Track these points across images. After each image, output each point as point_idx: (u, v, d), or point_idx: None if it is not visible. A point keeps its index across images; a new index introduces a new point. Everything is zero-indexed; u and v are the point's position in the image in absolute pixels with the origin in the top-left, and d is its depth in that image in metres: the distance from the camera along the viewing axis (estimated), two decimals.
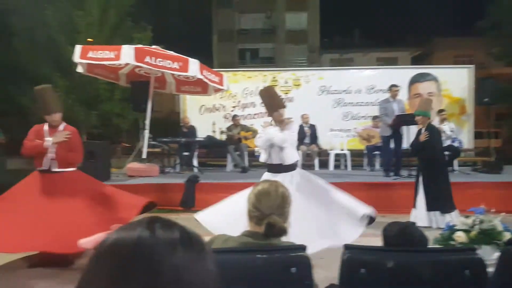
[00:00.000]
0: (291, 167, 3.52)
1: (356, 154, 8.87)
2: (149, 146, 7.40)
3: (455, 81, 9.42)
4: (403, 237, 1.75)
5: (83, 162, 6.20)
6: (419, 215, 4.84)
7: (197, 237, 0.59)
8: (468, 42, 22.61)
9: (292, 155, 3.55)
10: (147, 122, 7.14)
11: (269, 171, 3.58)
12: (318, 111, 8.95)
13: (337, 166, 8.61)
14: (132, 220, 3.17)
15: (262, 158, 3.61)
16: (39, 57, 12.55)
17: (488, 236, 2.75)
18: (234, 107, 9.50)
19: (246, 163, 8.06)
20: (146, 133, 7.11)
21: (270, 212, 1.59)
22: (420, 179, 4.92)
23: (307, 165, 8.47)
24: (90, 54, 6.18)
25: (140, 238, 0.54)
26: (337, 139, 8.92)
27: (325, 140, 8.79)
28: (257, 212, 1.60)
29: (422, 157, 5.02)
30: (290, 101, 9.30)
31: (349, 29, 29.12)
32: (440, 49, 24.90)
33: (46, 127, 3.71)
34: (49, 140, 3.56)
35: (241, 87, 9.53)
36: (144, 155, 7.13)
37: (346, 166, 8.56)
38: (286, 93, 9.42)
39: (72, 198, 3.53)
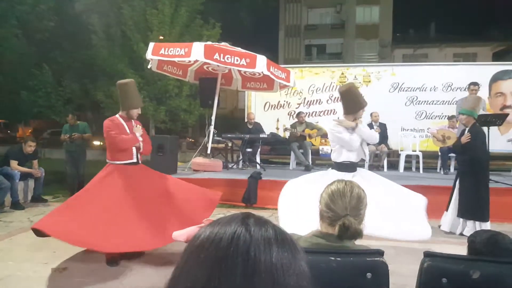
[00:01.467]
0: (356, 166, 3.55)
1: (429, 156, 8.29)
2: (214, 141, 7.57)
3: None
4: (491, 246, 1.58)
5: (153, 155, 6.63)
6: (447, 219, 4.65)
7: (290, 236, 0.58)
8: None
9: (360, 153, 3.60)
10: (213, 118, 7.29)
11: (339, 169, 3.52)
12: (389, 109, 8.51)
13: (407, 168, 8.14)
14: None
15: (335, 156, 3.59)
16: (115, 54, 13.51)
17: None
18: (299, 104, 9.38)
19: (310, 161, 7.94)
20: (212, 129, 7.25)
21: (345, 213, 1.52)
22: (458, 182, 4.63)
23: (375, 166, 8.11)
24: (162, 51, 6.38)
25: (236, 233, 0.54)
26: (408, 139, 8.41)
27: (395, 140, 8.35)
28: (330, 213, 1.53)
29: (461, 160, 4.68)
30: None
31: (424, 23, 27.16)
32: None
33: (121, 120, 3.72)
34: (137, 133, 3.69)
35: (307, 84, 9.37)
36: (208, 150, 7.30)
37: (418, 168, 8.03)
38: None
39: (158, 186, 3.66)
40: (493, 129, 6.20)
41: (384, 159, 8.05)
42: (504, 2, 28.45)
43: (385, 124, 8.15)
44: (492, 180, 5.89)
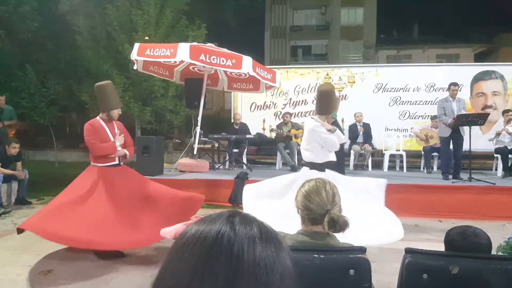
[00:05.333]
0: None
1: (412, 155, 8.44)
2: (200, 142, 7.55)
3: None
4: (468, 241, 1.63)
5: (138, 157, 6.57)
6: None
7: (276, 234, 0.59)
8: None
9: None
10: (199, 118, 7.29)
11: (311, 169, 3.53)
12: (373, 109, 8.65)
13: (391, 167, 8.27)
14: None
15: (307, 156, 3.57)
16: (100, 55, 13.34)
17: None
18: (285, 104, 9.44)
19: (296, 161, 7.99)
20: (198, 130, 7.24)
21: (326, 209, 1.55)
22: None
23: (360, 165, 8.22)
24: (148, 52, 6.36)
25: (221, 232, 0.54)
26: (392, 139, 8.56)
27: (379, 139, 8.48)
28: (310, 213, 1.57)
29: None
30: (344, 98, 9.05)
31: (408, 24, 27.61)
32: (506, 45, 22.89)
33: (102, 123, 3.74)
34: (117, 143, 3.71)
35: (293, 85, 9.44)
36: (195, 151, 7.29)
37: (401, 167, 8.18)
38: (340, 90, 9.17)
39: (138, 188, 3.66)
40: (475, 129, 6.37)
41: (368, 158, 8.17)
42: (486, 4, 29.13)
43: (369, 124, 8.27)
44: (474, 178, 6.07)
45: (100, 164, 3.67)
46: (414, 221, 5.09)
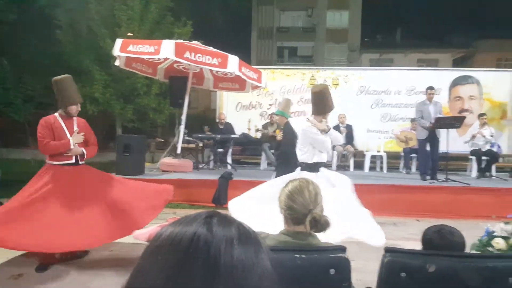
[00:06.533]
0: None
1: (392, 156, 8.64)
2: (184, 141, 7.46)
3: (496, 84, 9.08)
4: (444, 239, 1.69)
5: (119, 156, 6.46)
6: None
7: (255, 234, 0.57)
8: (511, 45, 21.39)
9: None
10: (183, 117, 7.19)
11: (311, 170, 3.55)
12: (356, 111, 8.81)
13: (372, 168, 8.44)
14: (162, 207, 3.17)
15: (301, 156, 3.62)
16: (81, 50, 13.06)
17: None
18: (271, 105, 9.48)
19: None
20: (182, 129, 7.15)
21: (309, 209, 1.59)
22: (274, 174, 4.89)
23: (342, 166, 8.35)
24: (130, 48, 6.23)
25: (197, 233, 0.52)
26: (374, 141, 8.74)
27: (361, 141, 8.63)
28: (293, 213, 1.59)
29: (277, 154, 5.15)
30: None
31: (391, 29, 28.23)
32: (483, 51, 23.69)
33: (59, 119, 3.54)
34: (72, 140, 3.51)
35: (279, 85, 9.50)
36: (178, 151, 7.19)
37: (382, 168, 8.35)
38: None
39: (97, 188, 3.50)
40: (452, 131, 6.58)
41: (350, 159, 8.30)
42: (465, 12, 30.02)
43: (351, 126, 8.41)
44: (450, 179, 6.26)
45: (55, 162, 3.48)
46: (393, 220, 5.20)
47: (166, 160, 7.14)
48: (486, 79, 9.14)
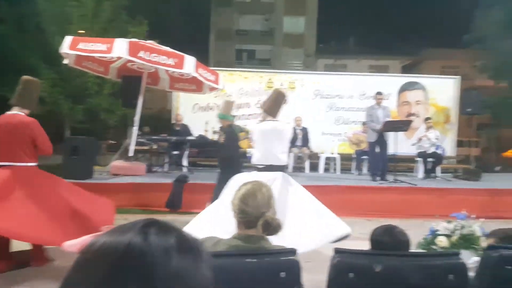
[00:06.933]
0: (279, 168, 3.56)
1: (345, 158, 8.94)
2: (137, 143, 7.22)
3: (441, 90, 9.69)
4: (389, 238, 1.75)
5: (66, 159, 6.11)
6: None
7: (195, 242, 0.55)
8: (455, 54, 23.22)
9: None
10: (136, 118, 6.95)
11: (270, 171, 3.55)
12: (311, 114, 9.03)
13: (326, 170, 8.67)
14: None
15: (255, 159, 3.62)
16: (27, 47, 12.28)
17: (467, 241, 2.82)
18: None
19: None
20: (135, 130, 6.90)
21: (262, 212, 1.58)
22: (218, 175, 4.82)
23: (298, 168, 8.49)
24: (81, 46, 5.95)
25: (131, 243, 0.49)
26: (328, 143, 9.00)
27: (316, 143, 8.84)
28: (246, 216, 1.58)
29: (220, 157, 5.04)
30: (285, 103, 9.33)
31: (344, 36, 29.49)
32: (429, 59, 25.44)
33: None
34: None
35: (237, 87, 9.49)
36: (130, 153, 6.91)
37: (335, 169, 8.61)
38: None
39: (46, 191, 3.33)
40: (400, 134, 6.93)
41: (306, 161, 8.48)
42: (413, 22, 31.94)
43: (307, 128, 8.59)
44: (399, 180, 6.58)
45: (33, 164, 3.36)
46: (345, 220, 5.33)
47: (117, 163, 6.85)
48: (432, 85, 9.74)
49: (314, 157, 8.82)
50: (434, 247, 2.95)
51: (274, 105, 3.71)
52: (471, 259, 2.15)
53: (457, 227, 2.91)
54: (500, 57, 15.01)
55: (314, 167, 8.64)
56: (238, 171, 4.22)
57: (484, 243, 2.51)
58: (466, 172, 8.23)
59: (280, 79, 9.64)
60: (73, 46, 6.02)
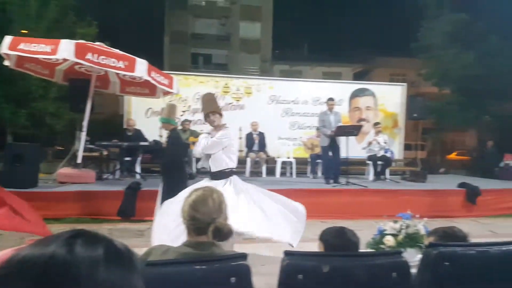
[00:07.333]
0: (225, 174, 3.47)
1: (301, 162, 9.12)
2: (86, 150, 6.89)
3: (389, 97, 10.19)
4: (339, 239, 1.79)
5: (7, 166, 5.68)
6: None
7: (126, 252, 0.53)
8: (402, 62, 24.71)
9: (222, 162, 3.48)
10: (85, 123, 6.63)
11: (220, 178, 3.48)
12: (268, 119, 9.11)
13: (283, 173, 8.79)
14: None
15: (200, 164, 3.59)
16: None
17: (412, 240, 2.97)
18: (184, 111, 9.29)
19: (194, 169, 7.90)
20: (83, 136, 6.56)
21: (212, 218, 1.55)
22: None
23: (255, 172, 8.52)
24: (22, 46, 5.59)
25: (54, 255, 0.47)
26: (284, 147, 9.13)
27: (273, 148, 8.93)
28: (196, 223, 1.55)
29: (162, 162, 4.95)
30: (241, 108, 9.38)
31: (299, 43, 30.31)
32: (379, 67, 26.87)
33: None
34: None
35: (192, 92, 9.36)
36: (79, 160, 6.57)
37: (291, 173, 8.75)
38: (238, 100, 9.45)
39: None
40: (351, 138, 7.19)
41: (263, 165, 8.54)
42: (364, 31, 33.58)
43: (263, 133, 8.67)
44: (350, 182, 6.82)
45: None
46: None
47: (64, 171, 6.47)
48: (381, 92, 10.23)
49: (271, 161, 8.90)
50: (382, 246, 3.07)
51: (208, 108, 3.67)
52: (415, 257, 2.25)
53: (403, 226, 3.06)
54: (444, 65, 16.15)
55: (271, 172, 8.72)
56: (181, 178, 4.12)
57: (427, 241, 2.65)
58: (413, 174, 8.72)
59: (236, 84, 9.66)
60: (13, 47, 5.64)
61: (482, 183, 7.29)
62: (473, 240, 1.98)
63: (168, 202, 3.35)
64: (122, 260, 0.52)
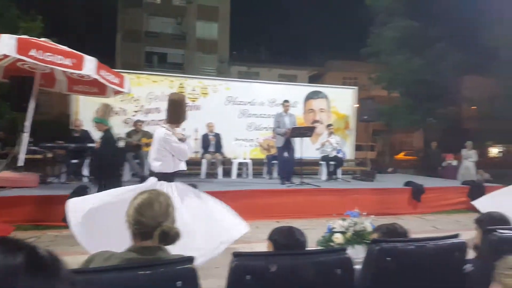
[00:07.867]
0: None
1: (257, 163, 9.19)
2: (29, 152, 6.47)
3: (341, 99, 10.58)
4: (287, 239, 1.82)
5: None
6: None
7: (49, 260, 0.52)
8: (354, 66, 25.85)
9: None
10: (27, 123, 6.20)
11: (160, 179, 3.33)
12: (224, 120, 9.07)
13: (239, 175, 8.80)
14: None
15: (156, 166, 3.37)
16: None
17: (360, 237, 3.11)
18: (136, 111, 8.99)
19: (146, 171, 7.66)
20: (25, 137, 6.14)
21: (159, 222, 1.51)
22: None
23: (211, 174, 8.45)
24: None
25: None
26: (240, 148, 9.15)
27: (229, 149, 8.92)
28: (142, 227, 1.51)
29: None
30: (197, 109, 9.25)
31: (257, 45, 30.66)
32: (332, 70, 27.89)
33: None
34: None
35: (145, 91, 9.08)
36: (20, 162, 6.13)
37: (248, 174, 8.78)
38: (193, 100, 9.31)
39: None
40: (306, 139, 7.36)
41: (219, 167, 8.49)
42: (318, 36, 34.52)
43: (220, 134, 8.63)
44: (304, 182, 6.97)
45: None
46: (256, 223, 5.47)
47: (4, 174, 6.00)
48: (333, 94, 10.58)
49: (227, 162, 8.88)
50: (331, 243, 3.17)
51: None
52: (363, 253, 2.34)
53: (351, 224, 3.18)
54: (393, 70, 17.02)
55: (227, 173, 8.70)
56: (115, 180, 3.97)
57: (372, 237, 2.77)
58: (363, 173, 9.11)
59: (191, 84, 9.52)
60: None
61: (426, 182, 7.76)
62: (417, 235, 2.10)
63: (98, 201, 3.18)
64: (45, 268, 0.51)
